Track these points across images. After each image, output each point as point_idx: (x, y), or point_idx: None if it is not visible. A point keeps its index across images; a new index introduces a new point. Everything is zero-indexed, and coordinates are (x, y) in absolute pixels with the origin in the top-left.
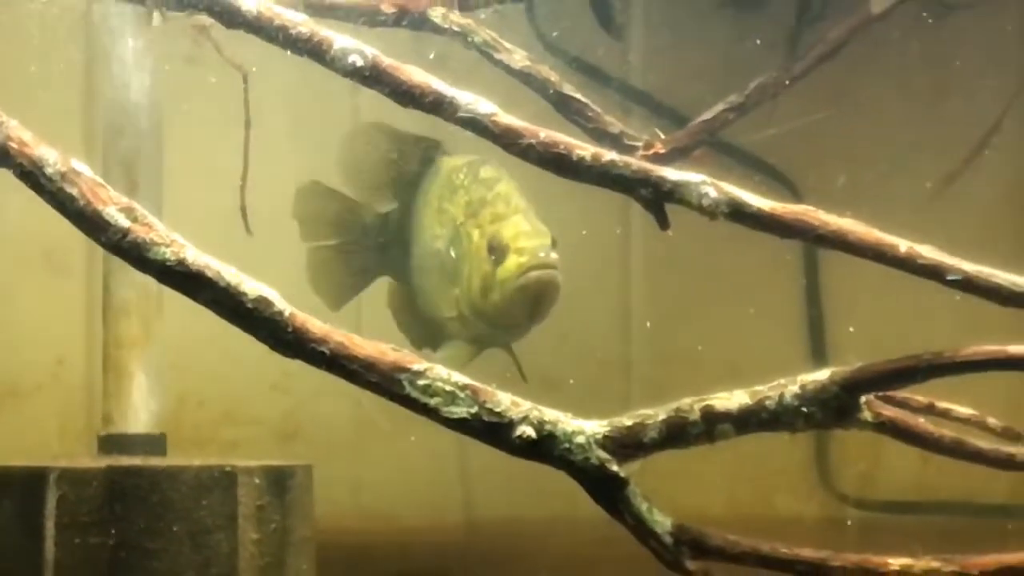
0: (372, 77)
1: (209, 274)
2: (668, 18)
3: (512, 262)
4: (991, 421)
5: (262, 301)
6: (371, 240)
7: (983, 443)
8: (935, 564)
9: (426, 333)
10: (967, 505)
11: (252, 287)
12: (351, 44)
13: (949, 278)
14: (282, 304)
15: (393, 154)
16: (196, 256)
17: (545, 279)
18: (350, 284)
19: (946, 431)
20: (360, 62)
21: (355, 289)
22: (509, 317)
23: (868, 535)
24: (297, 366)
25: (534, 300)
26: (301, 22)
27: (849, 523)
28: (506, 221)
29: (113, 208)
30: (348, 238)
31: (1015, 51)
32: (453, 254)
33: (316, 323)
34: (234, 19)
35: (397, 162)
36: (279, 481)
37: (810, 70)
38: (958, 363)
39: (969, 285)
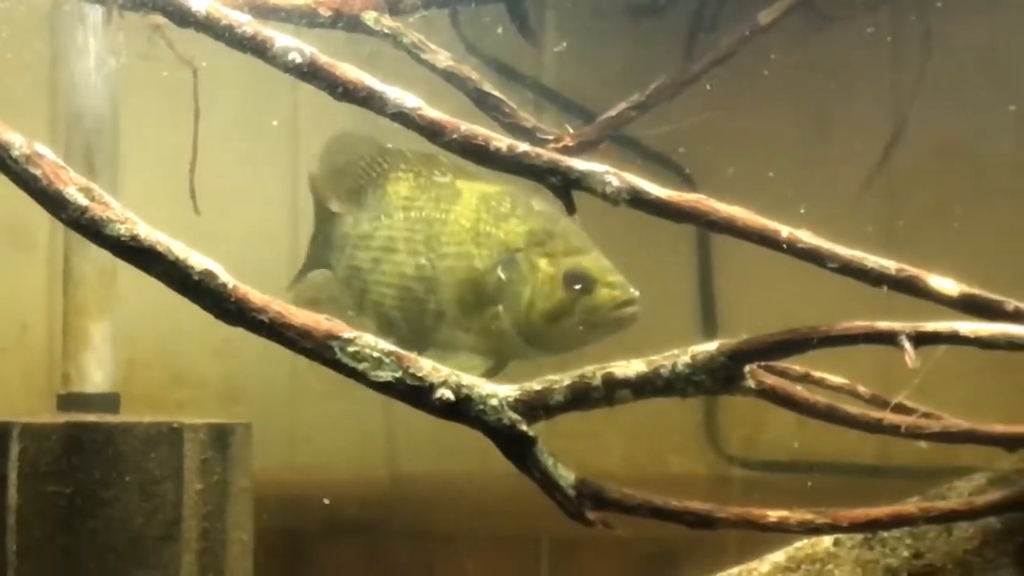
0: (310, 73)
1: (159, 249)
2: (577, 25)
3: (606, 295)
4: (861, 389)
5: (207, 274)
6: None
7: (854, 409)
8: (809, 516)
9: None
10: (840, 465)
11: (198, 261)
12: (291, 43)
13: (828, 264)
14: (225, 277)
15: (371, 163)
16: (148, 232)
17: (635, 315)
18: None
19: (820, 398)
20: (299, 59)
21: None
22: (574, 342)
23: (751, 491)
24: (238, 333)
25: (616, 330)
26: (246, 22)
27: (734, 481)
28: (585, 255)
29: (73, 188)
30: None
31: (887, 58)
32: (504, 277)
33: (256, 294)
34: (185, 19)
35: (372, 172)
36: (221, 437)
37: (704, 73)
38: (832, 337)
39: (844, 268)
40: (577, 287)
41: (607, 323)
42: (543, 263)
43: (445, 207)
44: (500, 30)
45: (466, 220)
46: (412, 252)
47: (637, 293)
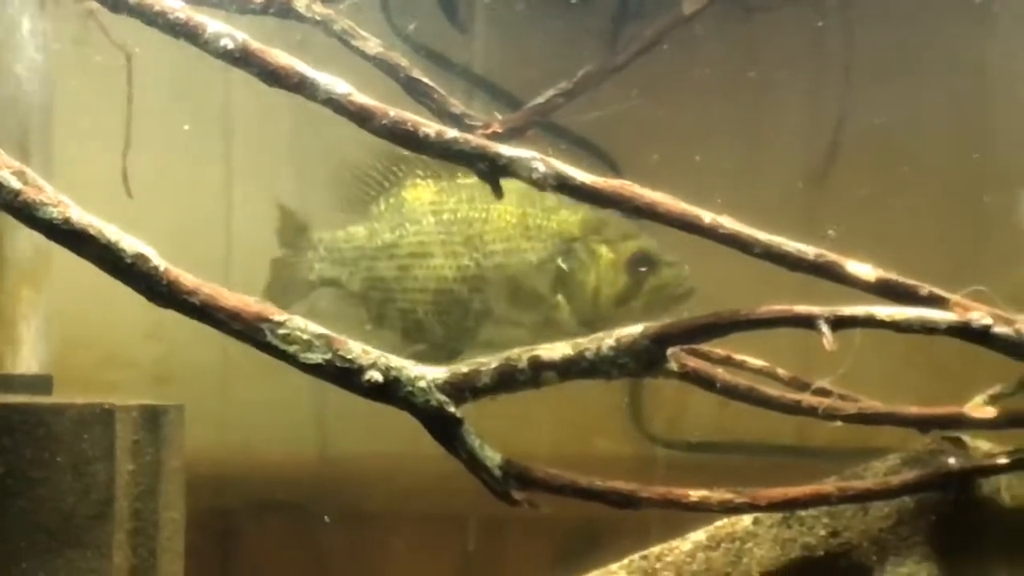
0: (242, 59)
1: (92, 232)
2: (506, 13)
3: (669, 273)
4: (780, 372)
5: (139, 257)
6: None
7: (773, 391)
8: (729, 496)
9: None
10: (759, 445)
11: (130, 244)
12: (223, 29)
13: (750, 249)
14: (158, 260)
15: (384, 173)
16: (80, 216)
17: (693, 289)
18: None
19: (741, 380)
20: (231, 45)
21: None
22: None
23: (674, 472)
24: (170, 316)
25: (679, 306)
26: (178, 8)
27: (658, 461)
28: (639, 238)
29: (7, 172)
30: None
31: (807, 50)
32: (566, 267)
33: (188, 277)
34: (118, 5)
35: (385, 182)
36: (153, 418)
37: (629, 62)
38: (752, 320)
39: (765, 253)
40: (642, 269)
41: (672, 300)
42: (603, 250)
43: (483, 206)
44: (431, 18)
45: (511, 216)
46: (450, 255)
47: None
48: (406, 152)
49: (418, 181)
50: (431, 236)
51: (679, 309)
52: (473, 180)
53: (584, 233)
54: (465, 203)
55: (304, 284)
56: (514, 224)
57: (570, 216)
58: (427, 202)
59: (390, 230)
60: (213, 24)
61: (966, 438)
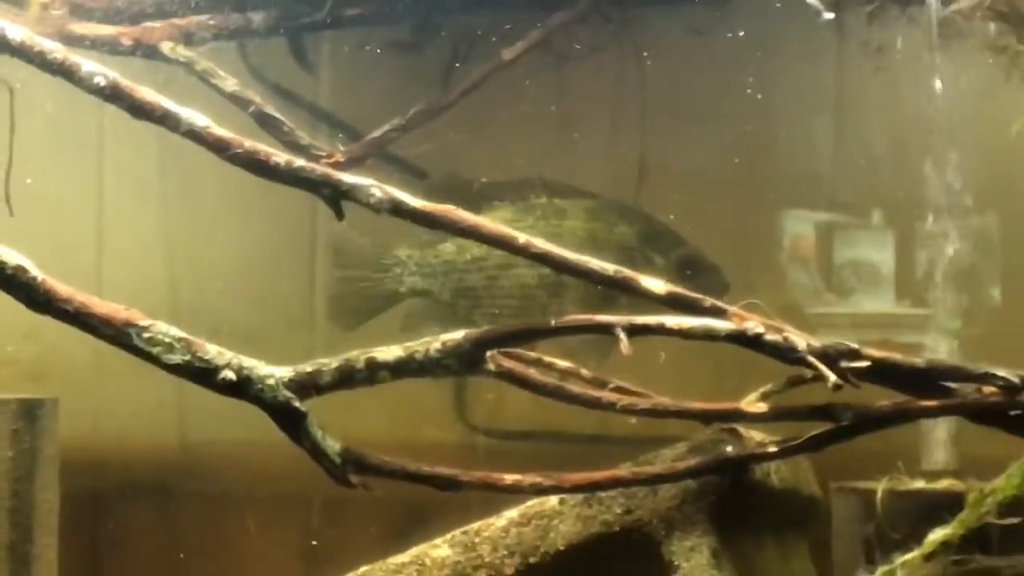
0: (113, 95)
1: None
2: (349, 56)
3: (713, 277)
4: (584, 372)
5: (19, 269)
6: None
7: (577, 388)
8: (539, 479)
9: None
10: (566, 435)
11: (11, 257)
12: (96, 68)
13: (557, 266)
14: (35, 271)
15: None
16: None
17: (728, 285)
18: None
19: (550, 379)
20: (103, 83)
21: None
22: None
23: (493, 458)
24: (46, 319)
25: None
26: (56, 49)
27: (479, 448)
28: (685, 246)
29: None
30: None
31: (610, 93)
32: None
33: (63, 287)
34: (3, 46)
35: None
36: (30, 411)
37: (458, 100)
38: (559, 328)
39: (571, 269)
40: (688, 272)
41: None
42: (657, 257)
43: (556, 222)
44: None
45: (580, 231)
46: (531, 265)
47: None
48: (485, 179)
49: (496, 203)
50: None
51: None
52: (544, 201)
53: (640, 243)
54: (541, 220)
55: (385, 297)
56: (583, 237)
57: (628, 229)
58: (508, 220)
59: (477, 246)
60: (87, 64)
61: (742, 430)
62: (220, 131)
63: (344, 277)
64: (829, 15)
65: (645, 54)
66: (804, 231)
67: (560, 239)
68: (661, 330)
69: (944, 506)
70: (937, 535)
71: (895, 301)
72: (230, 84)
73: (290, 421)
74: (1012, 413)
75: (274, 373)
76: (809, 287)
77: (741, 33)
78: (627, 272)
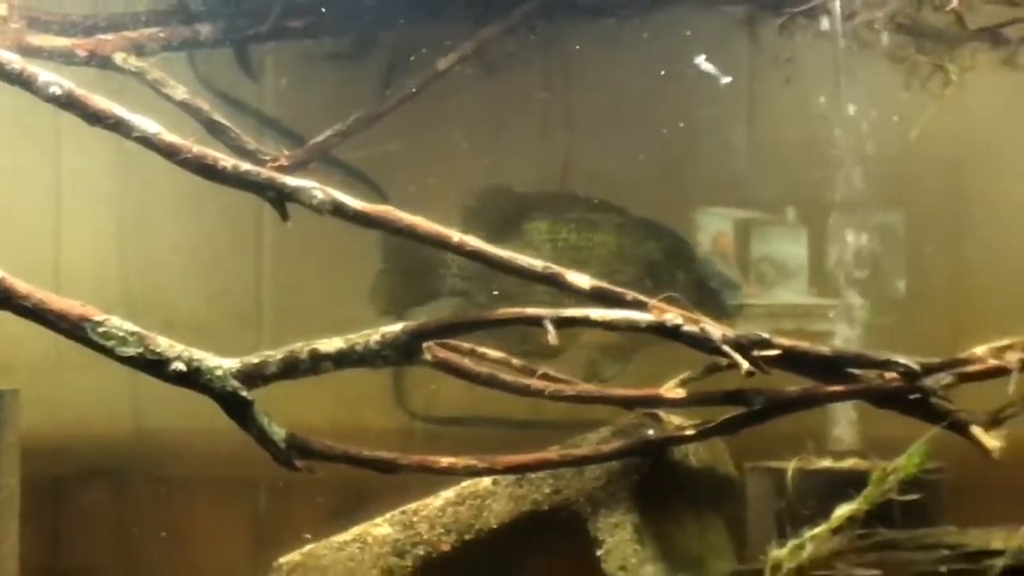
0: (68, 103)
1: None
2: (292, 65)
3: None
4: (515, 361)
5: None
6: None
7: (509, 377)
8: (473, 462)
9: None
10: (499, 420)
11: None
12: (52, 78)
13: (489, 262)
14: None
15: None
16: None
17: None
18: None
19: (483, 368)
20: (59, 91)
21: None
22: None
23: (431, 443)
24: (6, 315)
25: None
26: (15, 60)
27: (417, 433)
28: (709, 263)
29: None
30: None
31: (537, 103)
32: (651, 284)
33: (22, 283)
34: None
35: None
36: None
37: (394, 108)
38: (490, 320)
39: (501, 265)
40: (710, 286)
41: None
42: (680, 273)
43: (588, 235)
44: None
45: (611, 244)
46: None
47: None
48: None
49: (533, 215)
50: (548, 259)
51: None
52: (578, 215)
53: (665, 258)
54: (574, 233)
55: (425, 293)
56: (612, 251)
57: (655, 245)
58: (544, 231)
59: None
60: (44, 74)
61: (662, 414)
62: (170, 137)
63: (384, 269)
64: (727, 79)
65: (569, 63)
66: (723, 228)
67: (592, 251)
68: (587, 322)
69: (850, 483)
70: (843, 510)
71: (808, 292)
72: (180, 93)
73: (237, 409)
74: (912, 397)
75: (222, 364)
76: (729, 280)
77: (659, 44)
78: (554, 268)
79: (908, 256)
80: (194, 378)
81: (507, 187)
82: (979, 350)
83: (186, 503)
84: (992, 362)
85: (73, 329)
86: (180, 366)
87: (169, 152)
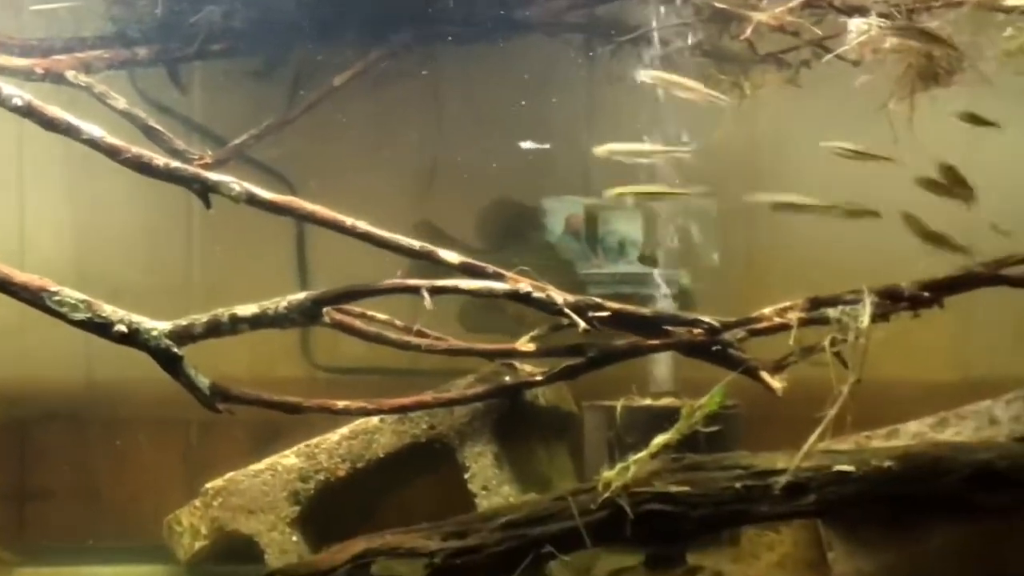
0: (28, 112)
1: None
2: (214, 80)
3: None
4: (397, 322)
5: None
6: None
7: (393, 335)
8: (363, 404)
9: None
10: (388, 370)
11: None
12: (14, 91)
13: (376, 243)
14: None
15: None
16: None
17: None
18: None
19: (372, 327)
20: (20, 102)
21: None
22: None
23: (332, 389)
24: None
25: None
26: None
27: (320, 381)
28: None
29: None
30: None
31: (418, 110)
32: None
33: None
34: None
35: None
36: None
37: (299, 116)
38: (378, 289)
39: (385, 244)
40: None
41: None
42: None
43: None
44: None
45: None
46: None
47: None
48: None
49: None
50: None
51: None
52: None
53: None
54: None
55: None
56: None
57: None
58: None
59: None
60: (8, 88)
61: (517, 364)
62: (112, 140)
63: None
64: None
65: (443, 79)
66: (575, 211)
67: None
68: (456, 291)
69: (666, 418)
70: (660, 439)
71: (641, 263)
72: (121, 103)
73: (170, 363)
74: (714, 348)
75: (157, 326)
76: (580, 253)
77: (518, 63)
78: (428, 246)
79: (717, 235)
80: (134, 338)
81: (508, 200)
82: (767, 310)
83: (130, 441)
84: (777, 320)
85: (33, 298)
86: (122, 328)
87: (112, 152)
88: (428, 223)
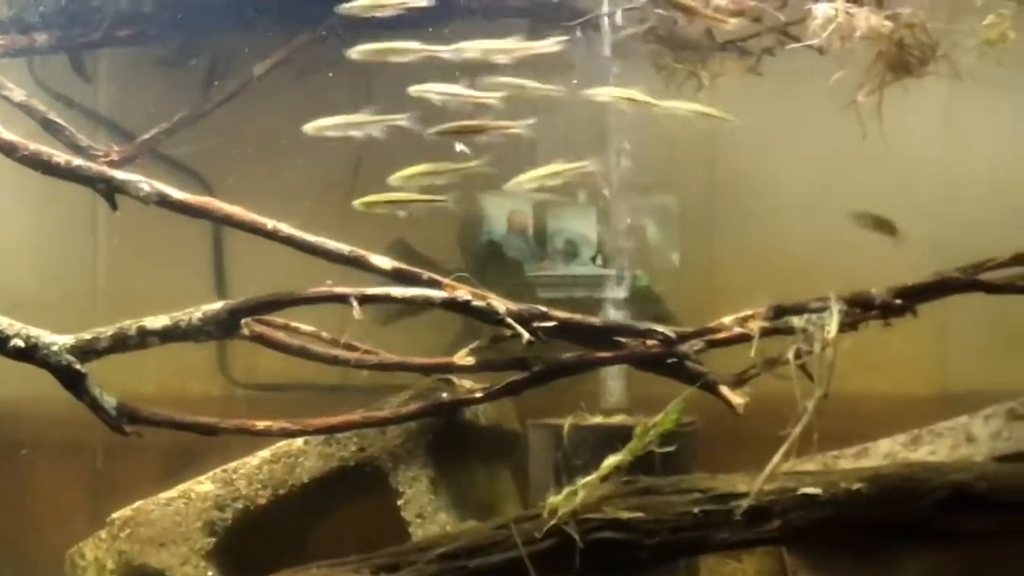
0: None
1: None
2: (124, 70)
3: None
4: (324, 334)
5: None
6: None
7: (319, 348)
8: (286, 424)
9: None
10: (313, 386)
11: None
12: None
13: (299, 246)
14: None
15: None
16: None
17: None
18: None
19: (296, 341)
20: None
21: None
22: None
23: (251, 408)
24: None
25: None
26: None
27: (239, 399)
28: None
29: None
30: None
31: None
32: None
33: None
34: None
35: None
36: None
37: (214, 109)
38: (302, 298)
39: (311, 249)
40: None
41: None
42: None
43: None
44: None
45: None
46: None
47: None
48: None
49: None
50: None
51: None
52: None
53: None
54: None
55: None
56: None
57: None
58: None
59: None
60: None
61: (455, 379)
62: (8, 135)
63: None
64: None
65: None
66: (519, 207)
67: None
68: (388, 299)
69: (617, 437)
70: (611, 460)
71: (595, 264)
72: (18, 94)
73: (72, 381)
74: (669, 361)
75: (57, 340)
76: (527, 253)
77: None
78: (358, 251)
79: (676, 236)
80: (32, 353)
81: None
82: (726, 319)
83: (30, 464)
84: (737, 330)
85: None
86: (19, 343)
87: (7, 149)
88: (402, 242)
